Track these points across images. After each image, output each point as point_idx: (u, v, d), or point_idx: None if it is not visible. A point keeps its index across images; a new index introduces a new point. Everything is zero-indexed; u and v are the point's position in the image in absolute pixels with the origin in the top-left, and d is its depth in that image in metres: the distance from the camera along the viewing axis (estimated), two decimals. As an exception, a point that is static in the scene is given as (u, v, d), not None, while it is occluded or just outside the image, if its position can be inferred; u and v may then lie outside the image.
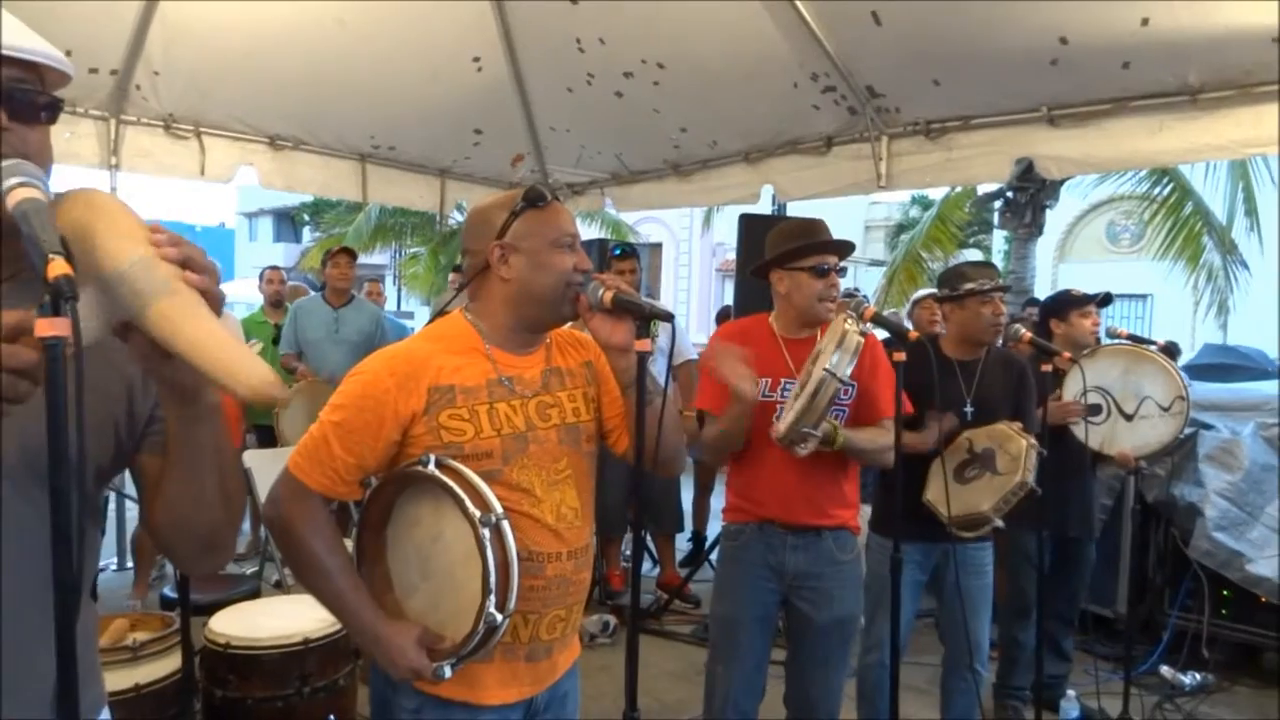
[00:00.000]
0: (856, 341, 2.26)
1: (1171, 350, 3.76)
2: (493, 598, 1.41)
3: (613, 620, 4.53)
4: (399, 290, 22.73)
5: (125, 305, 0.89)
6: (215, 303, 0.91)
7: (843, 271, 2.56)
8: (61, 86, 1.04)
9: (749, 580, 2.59)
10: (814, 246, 2.51)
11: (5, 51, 0.96)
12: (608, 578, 4.98)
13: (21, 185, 0.86)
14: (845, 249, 2.57)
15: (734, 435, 2.48)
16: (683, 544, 5.74)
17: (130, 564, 5.03)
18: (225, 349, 0.89)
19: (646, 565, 5.34)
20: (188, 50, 4.16)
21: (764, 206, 5.61)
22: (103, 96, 4.23)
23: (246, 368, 0.89)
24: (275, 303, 6.12)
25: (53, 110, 1.01)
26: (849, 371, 2.26)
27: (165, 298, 0.89)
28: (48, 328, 0.78)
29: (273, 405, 0.90)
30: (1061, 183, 8.33)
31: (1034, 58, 3.45)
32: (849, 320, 2.30)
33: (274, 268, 6.45)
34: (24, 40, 0.98)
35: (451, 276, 6.59)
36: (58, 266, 0.79)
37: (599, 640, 4.37)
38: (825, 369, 2.24)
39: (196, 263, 0.91)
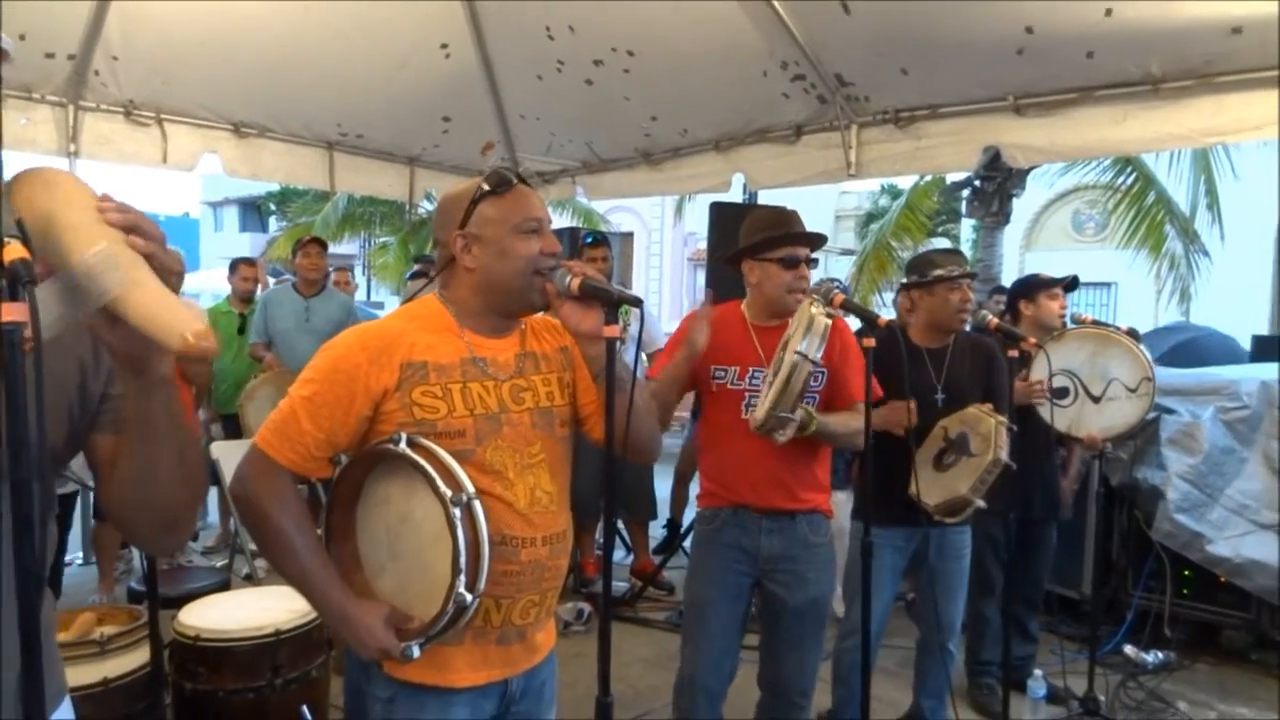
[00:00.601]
0: (824, 324, 2.28)
1: (1133, 336, 3.83)
2: (462, 578, 1.41)
3: (587, 608, 4.54)
4: (369, 280, 22.52)
5: (85, 292, 0.89)
6: (164, 270, 0.92)
7: (814, 263, 2.57)
8: None
9: (722, 562, 2.61)
10: (786, 238, 2.53)
11: None
12: (582, 566, 4.99)
13: (-23, 169, 0.84)
14: (817, 241, 2.58)
15: (673, 381, 2.48)
16: (659, 532, 5.76)
17: (95, 559, 4.96)
18: (160, 304, 0.90)
19: (620, 553, 5.36)
20: (148, 35, 4.07)
21: (735, 195, 5.62)
22: (60, 82, 4.13)
23: (176, 318, 0.89)
24: (245, 297, 6.00)
25: None
26: (819, 355, 2.28)
27: (112, 274, 0.89)
28: (5, 313, 0.77)
29: (205, 358, 0.93)
30: (1028, 172, 8.46)
31: (1001, 47, 3.48)
32: (814, 304, 2.32)
33: (250, 262, 6.31)
34: None
35: (416, 266, 6.51)
36: (13, 250, 0.77)
37: (573, 628, 4.38)
38: (797, 352, 2.26)
39: (143, 229, 0.92)
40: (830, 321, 2.30)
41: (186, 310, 0.91)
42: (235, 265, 6.16)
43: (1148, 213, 9.41)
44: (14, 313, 0.77)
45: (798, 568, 2.59)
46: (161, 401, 1.04)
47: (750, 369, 2.55)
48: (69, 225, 0.88)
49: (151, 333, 0.89)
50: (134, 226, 0.92)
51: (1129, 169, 9.21)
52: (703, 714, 2.64)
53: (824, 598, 2.67)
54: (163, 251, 0.93)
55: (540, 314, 1.70)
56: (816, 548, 2.61)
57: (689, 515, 5.04)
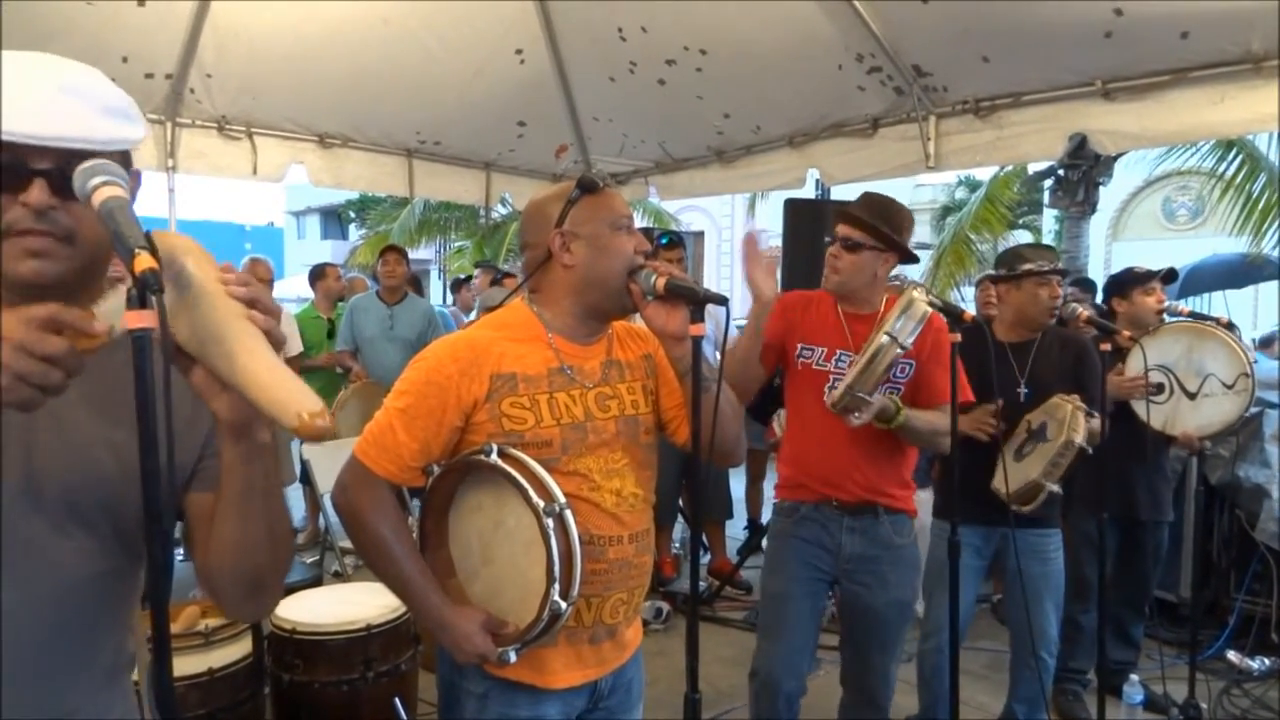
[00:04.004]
0: (923, 310, 2.23)
1: (1230, 329, 3.64)
2: (557, 586, 1.43)
3: (666, 607, 4.56)
4: (444, 285, 22.97)
5: (195, 333, 0.92)
6: (277, 344, 0.93)
7: (852, 246, 2.49)
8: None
9: (799, 556, 2.58)
10: (837, 215, 2.54)
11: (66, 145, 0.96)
12: (659, 565, 5.01)
13: (105, 184, 0.88)
14: (855, 222, 2.49)
15: (752, 338, 2.39)
16: (739, 533, 5.74)
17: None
18: (277, 380, 0.90)
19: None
20: (238, 53, 4.25)
21: (809, 191, 5.55)
22: (159, 100, 4.34)
23: (296, 399, 0.89)
24: (339, 298, 6.13)
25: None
26: (911, 339, 2.23)
27: (230, 333, 0.91)
28: (136, 320, 0.80)
29: (322, 438, 0.92)
30: (1115, 159, 8.13)
31: (1087, 30, 3.36)
32: (918, 289, 2.28)
33: (333, 266, 6.49)
34: (89, 130, 0.98)
35: (476, 273, 6.57)
36: (143, 260, 0.81)
37: (652, 626, 4.39)
38: (886, 333, 2.22)
39: (263, 304, 0.94)
40: (929, 310, 2.24)
41: (301, 388, 0.91)
42: (321, 270, 6.32)
43: (1255, 200, 8.90)
44: (143, 320, 0.81)
45: (879, 569, 2.54)
46: (260, 467, 1.03)
47: (838, 351, 2.53)
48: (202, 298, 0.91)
49: (267, 408, 0.90)
50: (255, 301, 0.93)
51: (1234, 152, 8.72)
52: (778, 710, 2.60)
53: (906, 599, 2.61)
54: (277, 327, 0.95)
55: (624, 321, 1.72)
56: (899, 549, 2.57)
57: (767, 514, 5.01)
